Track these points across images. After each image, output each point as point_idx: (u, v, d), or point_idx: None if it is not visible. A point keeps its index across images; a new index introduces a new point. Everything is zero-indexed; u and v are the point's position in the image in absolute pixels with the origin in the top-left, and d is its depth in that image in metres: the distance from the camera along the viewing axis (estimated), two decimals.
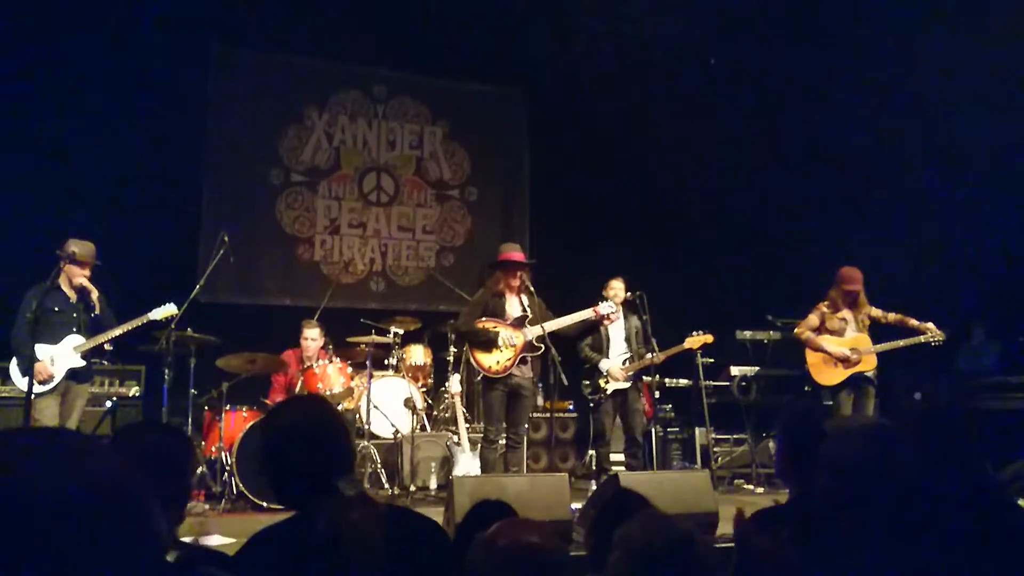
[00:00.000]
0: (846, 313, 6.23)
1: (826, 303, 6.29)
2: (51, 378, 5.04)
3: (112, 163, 7.24)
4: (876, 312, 6.27)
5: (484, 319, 5.63)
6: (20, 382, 5.04)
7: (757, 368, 7.59)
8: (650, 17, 8.20)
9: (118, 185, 7.18)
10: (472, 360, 5.65)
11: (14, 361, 5.15)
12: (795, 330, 6.38)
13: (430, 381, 7.40)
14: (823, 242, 8.23)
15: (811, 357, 6.29)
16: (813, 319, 6.27)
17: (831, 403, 6.37)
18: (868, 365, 6.14)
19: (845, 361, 6.11)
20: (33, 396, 4.94)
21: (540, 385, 7.80)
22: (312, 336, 6.72)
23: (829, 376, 6.20)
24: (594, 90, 8.77)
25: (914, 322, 6.17)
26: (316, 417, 1.93)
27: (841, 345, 6.15)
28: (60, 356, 5.11)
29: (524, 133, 9.74)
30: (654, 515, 1.72)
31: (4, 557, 0.66)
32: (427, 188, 9.40)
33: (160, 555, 0.77)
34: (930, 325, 6.11)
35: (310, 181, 8.88)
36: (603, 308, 6.06)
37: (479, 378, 5.73)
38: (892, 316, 6.25)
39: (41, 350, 5.02)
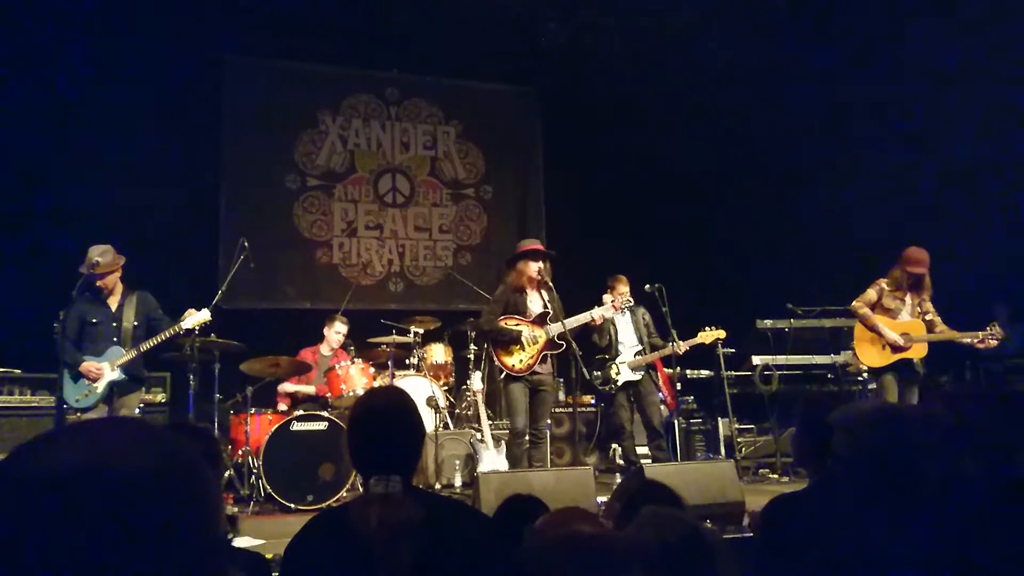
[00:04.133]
0: (906, 295, 5.90)
1: (887, 280, 5.95)
2: (102, 375, 5.05)
3: (130, 174, 7.32)
4: (933, 316, 5.90)
5: (506, 316, 5.64)
6: (71, 396, 5.02)
7: (779, 357, 7.55)
8: (662, 10, 8.18)
9: (137, 195, 7.26)
10: (495, 358, 5.64)
11: (67, 377, 5.05)
12: (853, 303, 6.04)
13: (451, 379, 7.44)
14: (843, 229, 8.19)
15: (859, 332, 6.00)
16: (871, 294, 5.94)
17: (873, 386, 6.26)
18: (917, 353, 5.82)
19: (895, 347, 5.79)
20: (79, 414, 5.02)
21: (561, 381, 7.83)
22: (341, 331, 6.92)
23: (873, 357, 5.91)
24: (607, 85, 8.76)
25: (963, 340, 5.81)
26: (380, 407, 2.00)
27: (894, 328, 5.82)
28: (105, 368, 5.10)
29: (537, 130, 9.76)
30: (663, 511, 1.73)
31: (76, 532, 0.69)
32: (442, 188, 9.43)
33: (220, 534, 0.82)
34: (994, 328, 5.74)
35: (326, 185, 8.95)
36: (620, 301, 6.14)
37: (502, 376, 5.72)
38: (942, 329, 5.86)
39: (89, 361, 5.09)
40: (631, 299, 6.44)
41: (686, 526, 1.55)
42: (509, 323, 5.59)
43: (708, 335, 6.66)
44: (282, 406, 6.65)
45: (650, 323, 6.58)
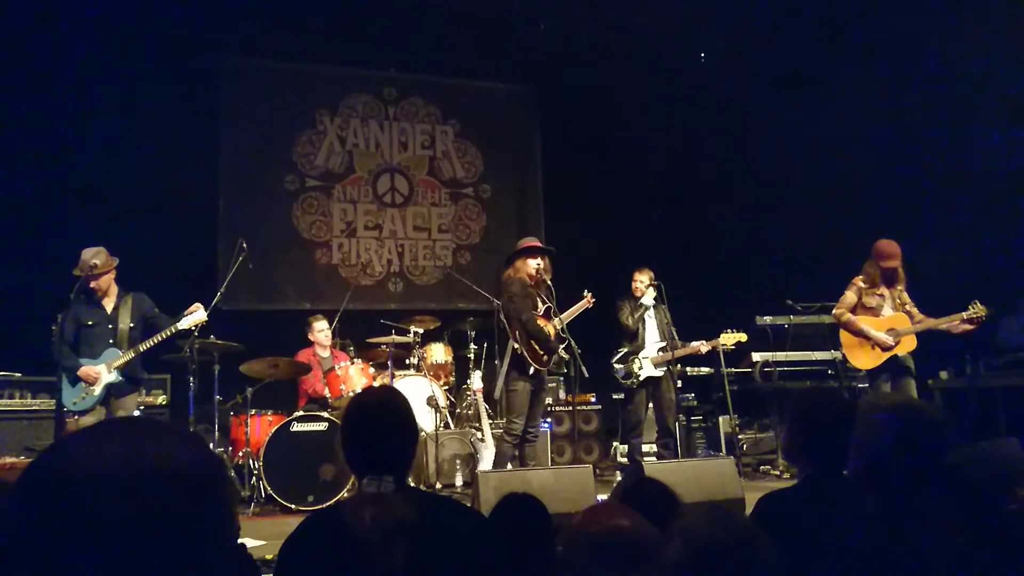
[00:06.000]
0: (883, 289, 5.76)
1: (862, 278, 5.80)
2: (99, 379, 5.05)
3: (129, 176, 7.33)
4: (911, 307, 5.75)
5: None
6: (69, 399, 5.03)
7: (778, 353, 7.55)
8: (659, 8, 8.18)
9: (136, 197, 7.27)
10: (527, 353, 5.48)
11: (65, 380, 5.05)
12: (833, 310, 5.94)
13: (452, 379, 7.43)
14: (842, 223, 8.17)
15: (846, 339, 5.90)
16: (850, 297, 5.81)
17: (866, 386, 6.25)
18: (906, 347, 5.70)
19: (885, 347, 5.69)
20: (77, 417, 5.03)
21: (561, 379, 7.85)
22: (322, 328, 6.90)
23: (865, 360, 5.82)
24: (605, 82, 8.75)
25: (944, 324, 5.66)
26: (372, 407, 2.01)
27: (879, 326, 5.71)
28: (102, 371, 5.11)
29: (535, 128, 9.75)
30: (716, 507, 1.73)
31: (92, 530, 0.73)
32: (441, 187, 9.43)
33: (234, 536, 0.86)
34: (975, 305, 5.56)
35: (325, 185, 8.94)
36: (587, 295, 6.12)
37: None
38: (921, 318, 5.69)
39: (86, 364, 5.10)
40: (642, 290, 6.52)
41: (740, 524, 1.55)
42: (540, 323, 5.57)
43: (730, 337, 6.71)
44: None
45: (671, 322, 6.60)
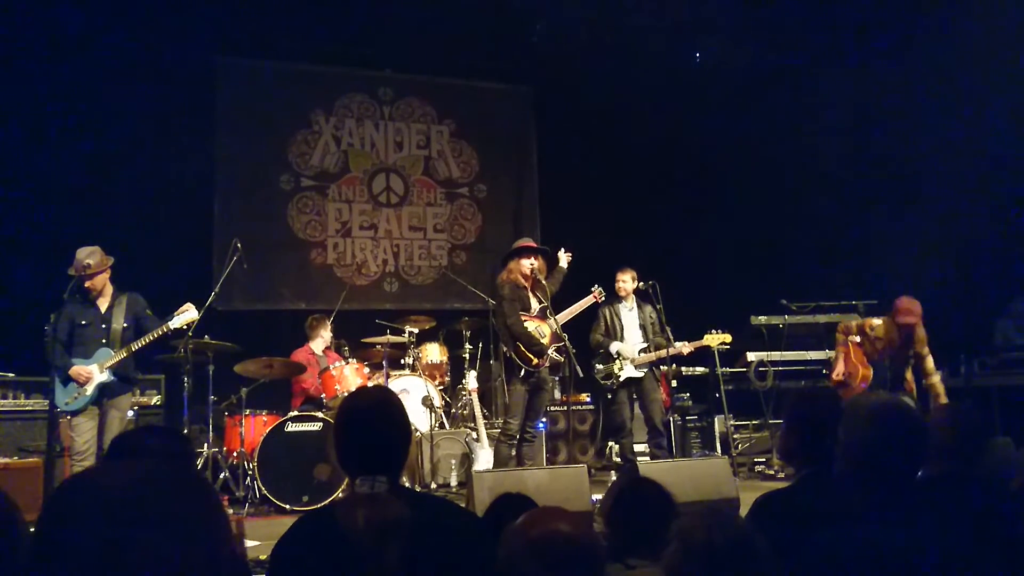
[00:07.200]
0: (888, 345, 5.72)
1: (880, 325, 5.77)
2: (91, 379, 5.00)
3: (124, 175, 7.30)
4: (929, 381, 5.69)
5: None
6: (61, 399, 5.00)
7: (774, 353, 7.56)
8: (656, 7, 8.18)
9: (131, 197, 7.24)
10: (516, 356, 5.49)
11: (57, 380, 5.01)
12: (841, 323, 6.12)
13: (447, 379, 7.42)
14: (838, 223, 8.18)
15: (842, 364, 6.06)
16: (853, 326, 5.97)
17: None
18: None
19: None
20: (69, 417, 5.02)
21: (556, 379, 7.84)
22: (328, 325, 6.99)
23: (837, 369, 6.10)
24: (601, 82, 8.75)
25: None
26: (364, 408, 2.00)
27: (850, 363, 5.89)
28: (94, 371, 5.06)
29: (531, 128, 9.75)
30: (714, 510, 1.73)
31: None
32: (436, 187, 9.42)
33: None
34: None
35: (320, 185, 8.93)
36: (596, 290, 6.20)
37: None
38: (936, 392, 5.65)
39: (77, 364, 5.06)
40: (627, 290, 6.52)
41: (737, 527, 1.54)
42: (528, 325, 5.57)
43: (714, 338, 6.67)
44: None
45: (656, 322, 6.59)
